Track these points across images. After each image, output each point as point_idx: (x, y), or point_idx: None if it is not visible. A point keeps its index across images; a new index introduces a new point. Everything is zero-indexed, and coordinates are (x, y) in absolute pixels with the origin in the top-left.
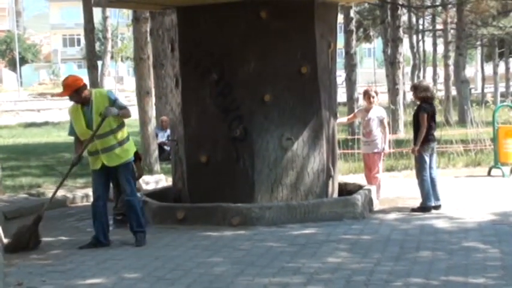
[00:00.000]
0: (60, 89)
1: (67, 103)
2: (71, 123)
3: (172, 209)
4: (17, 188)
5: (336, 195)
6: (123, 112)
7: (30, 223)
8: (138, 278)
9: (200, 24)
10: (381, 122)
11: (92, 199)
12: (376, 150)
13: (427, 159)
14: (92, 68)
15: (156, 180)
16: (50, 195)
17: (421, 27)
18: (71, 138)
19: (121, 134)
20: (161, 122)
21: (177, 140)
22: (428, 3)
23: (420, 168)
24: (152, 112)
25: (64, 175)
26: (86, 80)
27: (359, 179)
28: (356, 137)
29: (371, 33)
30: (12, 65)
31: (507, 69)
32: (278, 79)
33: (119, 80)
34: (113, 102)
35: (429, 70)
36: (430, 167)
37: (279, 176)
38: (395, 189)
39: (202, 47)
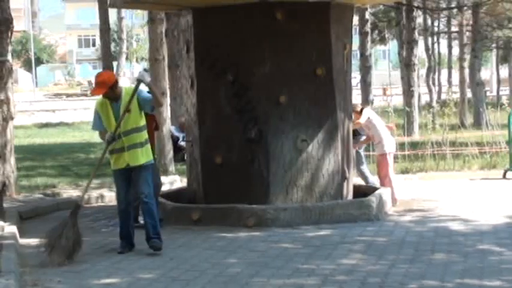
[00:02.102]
0: (75, 90)
1: (82, 104)
2: (97, 117)
3: (187, 210)
4: (33, 188)
5: (350, 197)
6: (156, 91)
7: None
8: (153, 278)
9: (216, 25)
10: (370, 124)
11: (106, 199)
12: (379, 152)
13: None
14: (107, 69)
15: (171, 181)
16: (64, 195)
17: (436, 29)
18: (86, 139)
19: (144, 135)
20: (181, 125)
21: (192, 140)
22: (444, 5)
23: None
24: (167, 113)
25: (99, 159)
26: None
27: (374, 181)
28: None
29: (386, 35)
30: (27, 66)
31: None
32: (293, 80)
33: (134, 81)
34: (139, 94)
35: (444, 72)
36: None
37: (294, 177)
38: (410, 191)
39: (217, 47)
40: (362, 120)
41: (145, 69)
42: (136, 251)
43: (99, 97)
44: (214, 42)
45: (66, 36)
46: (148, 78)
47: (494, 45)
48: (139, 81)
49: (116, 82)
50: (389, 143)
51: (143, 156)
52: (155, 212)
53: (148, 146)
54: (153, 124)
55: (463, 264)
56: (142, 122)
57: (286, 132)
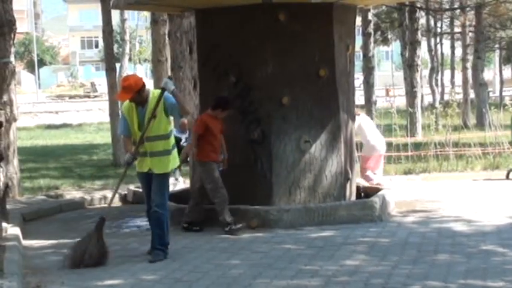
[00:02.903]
0: (77, 91)
1: (85, 105)
2: (123, 121)
3: None
4: (36, 190)
5: (353, 197)
6: (181, 99)
7: (93, 230)
8: (155, 279)
9: (218, 26)
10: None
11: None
12: (365, 154)
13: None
14: (110, 70)
15: (174, 182)
16: (67, 196)
17: (439, 30)
18: (88, 140)
19: (170, 142)
20: (181, 125)
21: None
22: (447, 6)
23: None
24: None
25: (121, 176)
26: (104, 81)
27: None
28: None
29: (389, 36)
30: (30, 67)
31: None
32: (296, 81)
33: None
34: (166, 99)
35: (447, 73)
36: None
37: (297, 178)
38: (413, 192)
39: (220, 49)
40: None
41: (169, 77)
42: (139, 252)
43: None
44: (217, 43)
45: (69, 38)
46: (172, 87)
47: (497, 46)
48: (163, 89)
49: (143, 86)
50: (377, 146)
51: (167, 164)
52: (164, 222)
53: (174, 151)
54: (220, 127)
55: (466, 265)
56: (169, 128)
57: (289, 133)
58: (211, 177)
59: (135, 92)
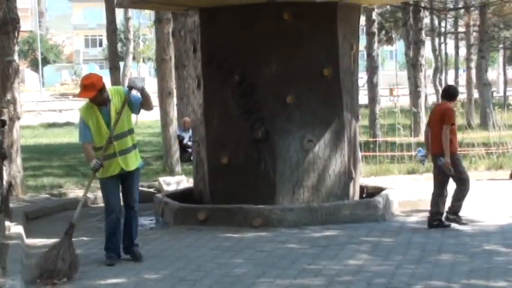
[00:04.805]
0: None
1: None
2: (84, 127)
3: (193, 210)
4: (39, 188)
5: (357, 197)
6: (148, 96)
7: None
8: (159, 278)
9: (223, 25)
10: None
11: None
12: None
13: None
14: (114, 69)
15: (177, 181)
16: (71, 195)
17: (443, 29)
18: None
19: (135, 137)
20: (184, 123)
21: (198, 141)
22: (451, 6)
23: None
24: (174, 113)
25: (87, 184)
26: (108, 80)
27: (380, 181)
28: (378, 139)
29: (393, 36)
30: (34, 66)
31: None
32: (300, 81)
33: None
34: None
35: (451, 73)
36: None
37: (301, 177)
38: (416, 192)
39: (224, 48)
40: None
41: (135, 77)
42: (143, 251)
43: (83, 104)
44: (221, 42)
45: (73, 36)
46: (140, 84)
47: (501, 45)
48: (130, 88)
49: (104, 85)
50: None
51: (137, 159)
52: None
53: (137, 148)
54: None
55: (469, 265)
56: (132, 123)
57: (293, 132)
58: (461, 167)
59: (98, 90)
